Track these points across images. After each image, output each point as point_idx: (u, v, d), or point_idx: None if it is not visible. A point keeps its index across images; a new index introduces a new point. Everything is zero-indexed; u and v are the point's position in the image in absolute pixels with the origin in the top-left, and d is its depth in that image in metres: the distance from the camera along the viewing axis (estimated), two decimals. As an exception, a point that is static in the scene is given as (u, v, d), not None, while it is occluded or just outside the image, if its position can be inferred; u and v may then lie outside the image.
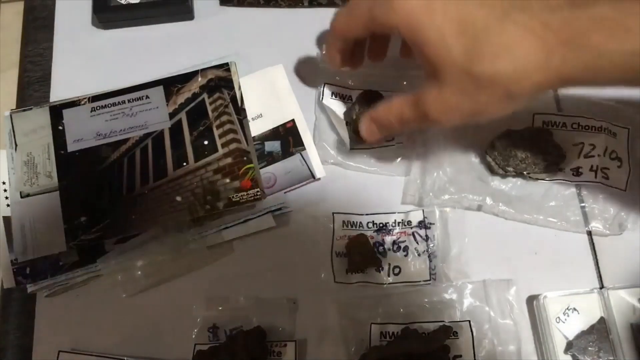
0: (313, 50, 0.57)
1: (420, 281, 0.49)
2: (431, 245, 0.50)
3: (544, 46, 0.36)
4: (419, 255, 0.50)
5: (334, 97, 0.54)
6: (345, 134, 0.52)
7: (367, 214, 0.51)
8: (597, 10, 0.35)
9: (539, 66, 0.36)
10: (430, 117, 0.42)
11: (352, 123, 0.52)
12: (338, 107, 0.54)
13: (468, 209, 0.51)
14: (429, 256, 0.50)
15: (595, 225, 0.50)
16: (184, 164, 0.52)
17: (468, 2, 0.38)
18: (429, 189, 0.51)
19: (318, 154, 0.53)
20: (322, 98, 0.54)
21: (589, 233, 0.50)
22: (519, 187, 0.51)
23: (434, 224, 0.50)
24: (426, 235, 0.50)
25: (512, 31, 0.36)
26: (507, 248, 0.50)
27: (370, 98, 0.52)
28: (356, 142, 0.52)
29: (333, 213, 0.51)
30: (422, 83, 0.41)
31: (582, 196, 0.51)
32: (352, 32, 0.44)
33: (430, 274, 0.49)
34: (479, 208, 0.51)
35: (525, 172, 0.50)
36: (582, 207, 0.50)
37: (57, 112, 0.55)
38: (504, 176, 0.51)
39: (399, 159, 0.53)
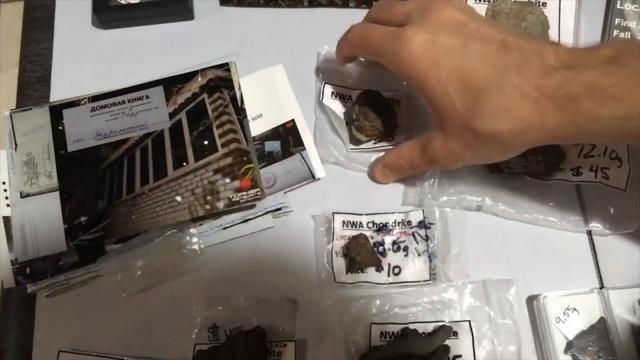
0: (313, 50, 0.57)
1: (420, 281, 0.49)
2: (431, 245, 0.50)
3: (539, 110, 0.38)
4: (419, 255, 0.50)
5: (333, 97, 0.54)
6: (345, 133, 0.52)
7: (367, 214, 0.51)
8: (587, 76, 0.37)
9: (534, 127, 0.39)
10: (437, 163, 0.46)
11: (352, 123, 0.52)
12: (338, 107, 0.54)
13: (467, 209, 0.51)
14: (429, 256, 0.50)
15: (595, 225, 0.50)
16: (184, 164, 0.52)
17: (471, 58, 0.40)
18: (427, 190, 0.51)
19: (318, 153, 0.53)
20: (322, 98, 0.54)
21: (589, 233, 0.50)
22: (518, 187, 0.51)
23: (434, 224, 0.50)
24: (426, 235, 0.50)
25: (509, 94, 0.39)
26: (507, 248, 0.50)
27: (370, 98, 0.52)
28: (356, 142, 0.52)
29: (333, 213, 0.51)
30: (429, 126, 0.45)
31: (582, 196, 0.51)
32: (362, 55, 0.49)
33: (430, 274, 0.49)
34: (479, 208, 0.51)
35: (525, 172, 0.50)
36: (582, 207, 0.50)
37: (57, 112, 0.55)
38: (503, 176, 0.51)
39: None
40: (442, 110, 0.42)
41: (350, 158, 0.53)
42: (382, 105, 0.52)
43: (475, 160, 0.44)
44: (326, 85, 0.54)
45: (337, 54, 0.52)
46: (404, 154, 0.48)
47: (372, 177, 0.52)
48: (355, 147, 0.53)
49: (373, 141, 0.53)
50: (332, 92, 0.54)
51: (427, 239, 0.50)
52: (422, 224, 0.50)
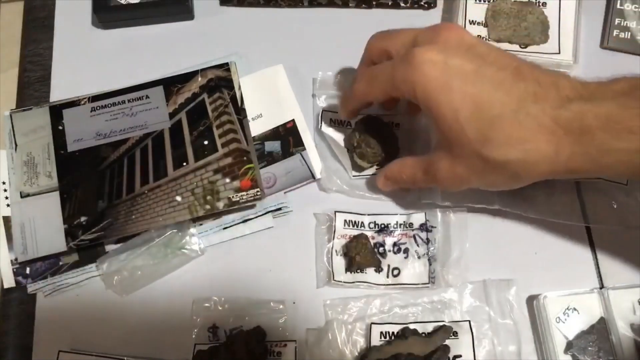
0: (313, 50, 0.57)
1: (418, 284, 0.49)
2: (431, 248, 0.50)
3: (554, 141, 0.37)
4: (419, 257, 0.50)
5: (332, 124, 0.54)
6: (347, 161, 0.52)
7: (368, 214, 0.51)
8: (603, 108, 0.36)
9: (548, 159, 0.38)
10: (440, 184, 0.45)
11: (353, 150, 0.51)
12: (337, 134, 0.53)
13: (471, 210, 0.51)
14: (428, 259, 0.49)
15: (598, 221, 0.50)
16: (184, 163, 0.52)
17: (485, 84, 0.39)
18: (431, 195, 0.51)
19: (321, 182, 0.52)
20: (321, 126, 0.53)
21: (590, 232, 0.50)
22: (522, 188, 0.51)
23: (435, 227, 0.50)
24: (427, 238, 0.50)
25: (524, 124, 0.38)
26: (507, 248, 0.50)
27: (369, 124, 0.51)
28: (358, 168, 0.52)
29: (335, 211, 0.51)
30: (433, 146, 0.45)
31: (583, 193, 0.51)
32: (372, 98, 0.46)
33: (429, 277, 0.49)
34: (484, 211, 0.51)
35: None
36: (586, 204, 0.50)
37: (57, 112, 0.55)
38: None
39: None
40: (452, 135, 0.40)
41: (353, 186, 0.52)
42: (383, 130, 0.51)
43: (480, 185, 0.44)
44: (324, 112, 0.54)
45: (342, 110, 0.51)
46: (406, 170, 0.47)
47: (375, 183, 0.51)
48: (358, 173, 0.52)
49: (376, 167, 0.52)
50: (330, 119, 0.54)
51: (427, 242, 0.50)
52: (424, 227, 0.50)
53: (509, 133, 0.38)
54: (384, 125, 0.52)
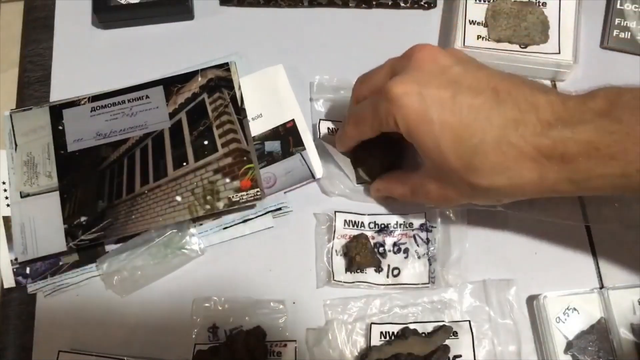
0: (313, 50, 0.57)
1: (418, 284, 0.49)
2: (431, 248, 0.50)
3: (537, 168, 0.38)
4: (418, 257, 0.50)
5: (330, 133, 0.54)
6: (348, 169, 0.51)
7: (369, 214, 0.51)
8: (583, 134, 0.36)
9: (532, 183, 0.39)
10: (430, 203, 0.47)
11: (356, 164, 0.51)
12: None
13: (473, 213, 0.51)
14: (428, 259, 0.49)
15: (597, 221, 0.50)
16: (184, 163, 0.52)
17: (463, 111, 0.39)
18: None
19: (323, 185, 0.52)
20: (319, 135, 0.53)
21: (590, 232, 0.50)
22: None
23: (435, 227, 0.50)
24: (427, 238, 0.50)
25: (507, 153, 0.38)
26: (507, 248, 0.50)
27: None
28: (361, 177, 0.52)
29: (335, 211, 0.51)
30: (423, 168, 0.45)
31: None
32: (364, 136, 0.47)
33: (429, 277, 0.49)
34: (485, 211, 0.51)
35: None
36: (587, 203, 0.50)
37: (57, 112, 0.55)
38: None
39: None
40: (437, 164, 0.41)
41: (357, 191, 0.52)
42: (385, 139, 0.49)
43: (470, 205, 0.45)
44: (321, 121, 0.54)
45: (338, 147, 0.51)
46: (394, 188, 0.49)
47: (370, 192, 0.52)
48: (361, 181, 0.52)
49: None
50: (328, 128, 0.54)
51: (427, 242, 0.50)
52: (424, 227, 0.50)
53: (492, 161, 0.39)
54: (386, 134, 0.50)
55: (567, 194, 0.39)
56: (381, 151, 0.50)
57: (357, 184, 0.52)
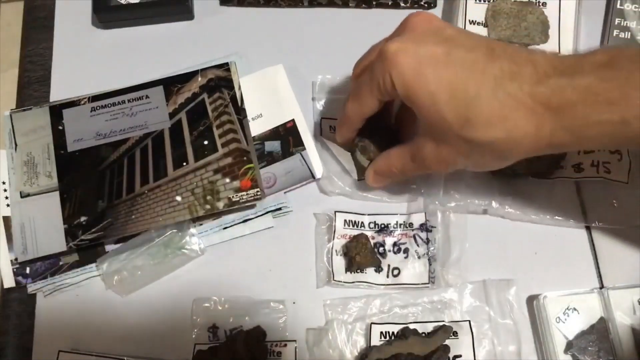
0: (313, 51, 0.57)
1: (418, 284, 0.49)
2: (432, 248, 0.50)
3: (534, 118, 0.37)
4: (418, 257, 0.50)
5: (332, 131, 0.54)
6: (350, 165, 0.51)
7: (369, 214, 0.51)
8: (581, 81, 0.36)
9: (529, 135, 0.38)
10: (429, 169, 0.45)
11: (355, 147, 0.50)
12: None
13: (474, 213, 0.51)
14: (428, 259, 0.49)
15: (600, 220, 0.50)
16: (184, 163, 0.52)
17: (457, 66, 0.39)
18: (434, 197, 0.51)
19: (323, 185, 0.52)
20: (321, 133, 0.53)
21: (590, 232, 0.50)
22: (522, 188, 0.51)
23: (435, 227, 0.50)
24: (427, 238, 0.50)
25: (503, 102, 0.37)
26: (507, 248, 0.50)
27: (369, 121, 0.48)
28: (363, 172, 0.51)
29: (335, 211, 0.51)
30: (419, 132, 0.44)
31: (585, 192, 0.51)
32: (365, 109, 0.45)
33: (429, 277, 0.49)
34: (485, 212, 0.51)
35: (527, 172, 0.50)
36: (587, 203, 0.50)
37: (57, 112, 0.55)
38: (507, 178, 0.51)
39: (404, 184, 0.52)
40: (433, 121, 0.40)
41: (357, 187, 0.52)
42: (383, 126, 0.50)
43: (468, 166, 0.44)
44: (323, 120, 0.54)
45: (338, 136, 0.50)
46: (393, 161, 0.47)
47: (366, 181, 0.50)
48: (362, 177, 0.51)
49: None
50: (330, 126, 0.54)
51: (427, 242, 0.50)
52: (424, 227, 0.50)
53: (488, 113, 0.38)
54: (382, 122, 0.50)
55: (564, 147, 0.38)
56: (380, 138, 0.50)
57: (359, 179, 0.52)
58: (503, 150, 0.40)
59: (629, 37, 0.55)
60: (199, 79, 0.55)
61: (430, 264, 0.49)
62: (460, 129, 0.39)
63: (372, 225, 0.51)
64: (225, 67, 0.55)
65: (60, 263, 0.51)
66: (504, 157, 0.41)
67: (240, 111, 0.54)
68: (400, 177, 0.48)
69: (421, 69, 0.39)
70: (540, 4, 0.55)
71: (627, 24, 0.56)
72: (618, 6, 0.56)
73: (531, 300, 0.48)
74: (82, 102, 0.55)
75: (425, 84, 0.39)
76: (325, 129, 0.54)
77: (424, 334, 0.46)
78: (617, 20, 0.56)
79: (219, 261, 0.51)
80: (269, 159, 0.53)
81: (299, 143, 0.53)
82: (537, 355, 0.47)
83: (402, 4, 0.58)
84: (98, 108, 0.55)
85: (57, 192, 0.52)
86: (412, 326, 0.47)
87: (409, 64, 0.40)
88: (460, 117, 0.39)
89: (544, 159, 0.49)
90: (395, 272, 0.49)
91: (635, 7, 0.56)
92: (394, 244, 0.50)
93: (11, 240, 0.51)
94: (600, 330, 0.45)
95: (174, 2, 0.58)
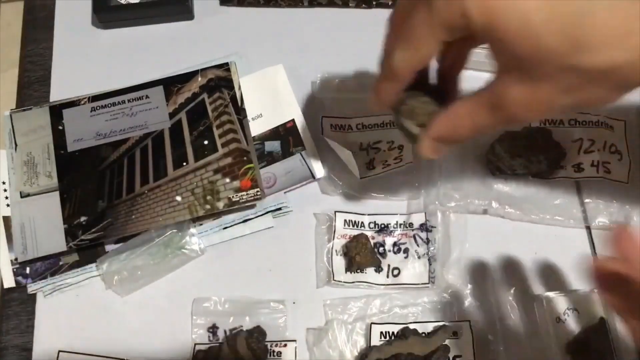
0: (313, 50, 0.57)
1: (418, 284, 0.49)
2: (432, 248, 0.50)
3: None
4: (419, 257, 0.50)
5: (333, 129, 0.54)
6: (353, 164, 0.51)
7: (369, 214, 0.51)
8: None
9: None
10: (514, 118, 0.34)
11: (397, 108, 0.40)
12: (339, 139, 0.53)
13: (474, 213, 0.51)
14: (428, 259, 0.49)
15: (601, 220, 0.50)
16: (184, 163, 0.52)
17: None
18: (434, 197, 0.51)
19: (326, 184, 0.52)
20: (322, 132, 0.53)
21: (590, 232, 0.50)
22: (522, 188, 0.51)
23: (435, 227, 0.50)
24: (427, 238, 0.50)
25: (627, 12, 0.29)
26: (507, 248, 0.50)
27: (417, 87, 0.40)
28: (366, 170, 0.51)
29: (335, 211, 0.51)
30: (497, 72, 0.34)
31: (585, 192, 0.51)
32: (420, 57, 0.36)
33: (429, 277, 0.49)
34: (485, 212, 0.51)
35: (527, 173, 0.50)
36: (587, 203, 0.50)
37: (57, 112, 0.55)
38: (507, 178, 0.51)
39: (406, 182, 0.52)
40: (526, 49, 0.31)
41: (361, 186, 0.52)
42: (433, 85, 0.41)
43: (573, 108, 0.34)
44: (324, 118, 0.54)
45: (380, 99, 0.40)
46: (461, 120, 0.36)
47: (418, 153, 0.40)
48: (365, 175, 0.52)
49: (382, 166, 0.52)
50: (331, 125, 0.54)
51: (428, 242, 0.50)
52: (424, 227, 0.50)
53: (606, 29, 0.29)
54: (421, 82, 0.40)
55: None
56: (428, 98, 0.40)
57: (361, 178, 0.52)
58: (627, 77, 0.31)
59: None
60: (199, 79, 0.55)
61: (430, 264, 0.49)
62: (566, 55, 0.30)
63: (372, 225, 0.51)
64: (225, 67, 0.55)
65: (60, 263, 0.51)
66: (625, 86, 0.32)
67: (240, 111, 0.54)
68: (470, 137, 0.38)
69: None
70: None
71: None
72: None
73: (531, 300, 0.48)
74: (82, 102, 0.55)
75: (513, 3, 0.30)
76: (326, 127, 0.54)
77: (424, 334, 0.46)
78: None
79: (219, 261, 0.51)
80: (269, 159, 0.53)
81: (299, 143, 0.53)
82: (537, 355, 0.47)
83: (402, 4, 0.58)
84: (98, 108, 0.55)
85: (57, 192, 0.52)
86: (412, 326, 0.47)
87: None
88: (566, 40, 0.30)
89: (544, 159, 0.49)
90: (395, 272, 0.49)
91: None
92: (394, 244, 0.50)
93: (11, 240, 0.51)
94: (600, 330, 0.45)
95: (174, 2, 0.58)
